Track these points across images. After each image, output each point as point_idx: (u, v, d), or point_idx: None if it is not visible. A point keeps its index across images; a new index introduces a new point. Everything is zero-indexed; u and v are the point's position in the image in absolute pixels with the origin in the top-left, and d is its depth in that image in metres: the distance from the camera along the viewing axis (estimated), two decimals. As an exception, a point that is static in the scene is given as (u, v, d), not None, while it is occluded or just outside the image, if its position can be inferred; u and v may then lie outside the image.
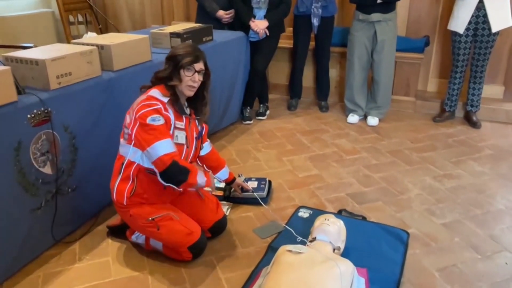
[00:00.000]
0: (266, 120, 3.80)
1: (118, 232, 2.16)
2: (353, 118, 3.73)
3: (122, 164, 1.91)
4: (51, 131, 1.91)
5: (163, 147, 1.79)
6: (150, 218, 1.91)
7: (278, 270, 1.71)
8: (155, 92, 1.87)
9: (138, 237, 2.07)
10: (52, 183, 1.98)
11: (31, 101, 1.83)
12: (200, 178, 1.89)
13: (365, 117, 3.76)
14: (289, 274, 1.67)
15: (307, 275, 1.65)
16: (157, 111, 1.81)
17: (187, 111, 1.99)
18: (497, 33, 3.30)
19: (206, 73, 1.94)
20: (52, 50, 2.06)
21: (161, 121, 1.80)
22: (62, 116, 1.96)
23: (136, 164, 1.90)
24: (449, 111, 3.70)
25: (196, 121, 2.05)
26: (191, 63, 1.85)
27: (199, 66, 1.88)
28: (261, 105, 3.88)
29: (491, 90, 3.85)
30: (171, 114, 1.87)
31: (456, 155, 3.11)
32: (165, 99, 1.86)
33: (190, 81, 1.86)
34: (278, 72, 4.38)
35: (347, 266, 1.75)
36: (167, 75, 1.87)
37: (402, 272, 1.92)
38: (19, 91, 1.83)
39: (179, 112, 1.92)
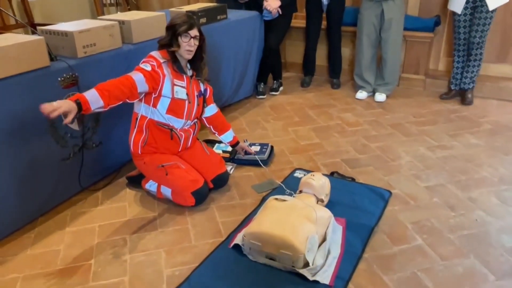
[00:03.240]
0: (279, 95, 4.05)
1: (135, 181, 2.52)
2: (362, 94, 3.91)
3: (137, 119, 2.26)
4: (78, 93, 2.25)
5: (133, 74, 2.07)
6: (160, 165, 2.25)
7: (263, 213, 2.00)
8: (155, 52, 2.21)
9: (151, 186, 2.40)
10: (79, 138, 2.34)
11: (61, 67, 2.17)
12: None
13: (373, 94, 3.93)
14: (272, 215, 1.95)
15: (287, 216, 1.92)
16: (149, 63, 2.13)
17: (189, 72, 2.30)
18: (494, 10, 3.36)
19: (201, 38, 2.23)
20: (80, 24, 2.40)
21: (147, 68, 2.11)
22: (88, 80, 2.29)
23: (147, 118, 2.24)
24: (455, 89, 3.81)
25: (199, 82, 2.36)
26: (187, 30, 2.14)
27: (194, 32, 2.17)
28: (275, 81, 4.12)
29: (502, 69, 3.93)
30: (167, 72, 2.17)
31: (454, 129, 3.25)
32: (162, 60, 2.17)
33: (187, 46, 2.16)
34: (294, 51, 4.60)
35: (324, 212, 2.01)
36: (167, 42, 2.18)
37: (378, 223, 2.16)
38: (52, 58, 2.18)
39: (179, 72, 2.22)
